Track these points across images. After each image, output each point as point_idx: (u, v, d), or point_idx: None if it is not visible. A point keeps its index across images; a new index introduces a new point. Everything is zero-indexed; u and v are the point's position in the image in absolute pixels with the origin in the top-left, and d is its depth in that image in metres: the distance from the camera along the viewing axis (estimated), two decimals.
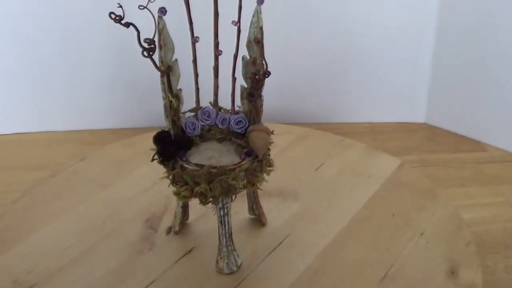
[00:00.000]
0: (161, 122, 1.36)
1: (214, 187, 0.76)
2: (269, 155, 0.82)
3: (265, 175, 0.82)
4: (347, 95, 1.38)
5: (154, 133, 1.23)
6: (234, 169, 0.77)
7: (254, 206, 0.93)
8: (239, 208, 0.93)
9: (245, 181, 0.78)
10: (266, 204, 0.96)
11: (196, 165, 0.77)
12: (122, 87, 1.35)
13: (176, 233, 0.93)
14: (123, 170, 1.09)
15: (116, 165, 1.12)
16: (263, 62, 0.75)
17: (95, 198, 1.02)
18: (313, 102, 1.38)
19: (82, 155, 1.22)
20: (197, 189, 0.76)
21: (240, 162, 0.78)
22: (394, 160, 1.13)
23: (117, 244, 0.91)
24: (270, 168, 0.83)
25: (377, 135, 1.38)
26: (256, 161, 0.79)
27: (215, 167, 0.76)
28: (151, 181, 1.05)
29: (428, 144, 1.35)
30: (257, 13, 0.77)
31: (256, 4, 0.77)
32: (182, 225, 0.93)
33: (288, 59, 1.20)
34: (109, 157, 1.15)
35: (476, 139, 1.37)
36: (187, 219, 0.95)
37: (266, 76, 0.74)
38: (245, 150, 0.79)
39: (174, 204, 0.92)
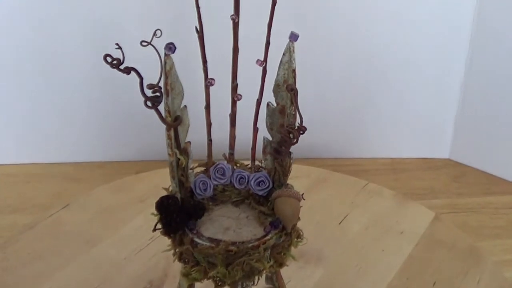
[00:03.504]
0: (152, 155, 1.22)
1: (234, 270, 0.60)
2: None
3: (292, 248, 0.66)
4: (366, 127, 1.24)
5: (146, 174, 1.10)
6: (258, 246, 0.61)
7: (274, 277, 0.77)
8: None
9: (271, 262, 0.62)
10: (285, 269, 0.80)
11: (210, 239, 0.61)
12: (109, 116, 1.19)
13: None
14: (113, 222, 0.94)
15: (105, 214, 0.96)
16: (297, 115, 0.59)
17: (80, 260, 0.85)
18: (329, 135, 1.24)
19: (65, 195, 1.08)
20: (212, 273, 0.60)
21: (265, 236, 0.62)
22: (427, 212, 0.99)
23: None
24: (299, 240, 0.67)
25: (398, 174, 1.23)
26: (283, 234, 0.63)
27: (234, 243, 0.60)
28: (147, 236, 0.89)
29: (455, 185, 1.21)
30: (289, 52, 0.61)
31: (288, 40, 0.62)
32: None
33: (301, 87, 1.04)
34: (96, 204, 0.99)
35: (507, 179, 1.24)
36: None
37: (302, 132, 0.58)
38: (270, 220, 0.63)
39: (176, 269, 0.76)
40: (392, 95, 1.23)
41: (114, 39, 1.02)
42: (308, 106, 1.17)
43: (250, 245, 0.61)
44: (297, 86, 0.61)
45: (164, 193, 0.68)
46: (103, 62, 0.53)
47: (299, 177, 1.02)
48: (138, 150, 1.24)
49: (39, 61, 1.13)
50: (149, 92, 0.56)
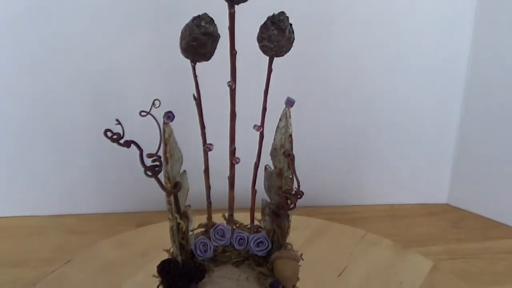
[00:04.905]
0: (151, 206, 1.23)
1: None
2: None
3: None
4: (364, 175, 1.25)
5: (146, 228, 1.10)
6: None
7: None
8: None
9: None
10: None
11: None
12: (109, 167, 1.20)
13: None
14: (115, 278, 0.94)
15: (107, 270, 0.96)
16: (294, 179, 0.61)
17: None
18: (327, 183, 1.25)
19: (67, 248, 1.08)
20: None
21: None
22: (425, 261, 0.99)
23: None
24: None
25: (397, 220, 1.24)
26: None
27: None
28: None
29: (453, 231, 1.22)
30: (286, 117, 0.63)
31: (284, 106, 0.63)
32: None
33: (296, 133, 1.05)
34: (98, 259, 1.00)
35: (505, 223, 1.24)
36: None
37: (299, 197, 0.59)
38: (270, 282, 0.65)
39: None
40: (389, 142, 1.24)
41: (115, 105, 1.05)
42: (306, 154, 1.18)
43: None
44: (293, 151, 0.63)
45: (165, 255, 0.69)
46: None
47: (297, 229, 1.02)
48: (138, 202, 1.24)
49: (41, 119, 1.15)
50: (149, 161, 0.58)
